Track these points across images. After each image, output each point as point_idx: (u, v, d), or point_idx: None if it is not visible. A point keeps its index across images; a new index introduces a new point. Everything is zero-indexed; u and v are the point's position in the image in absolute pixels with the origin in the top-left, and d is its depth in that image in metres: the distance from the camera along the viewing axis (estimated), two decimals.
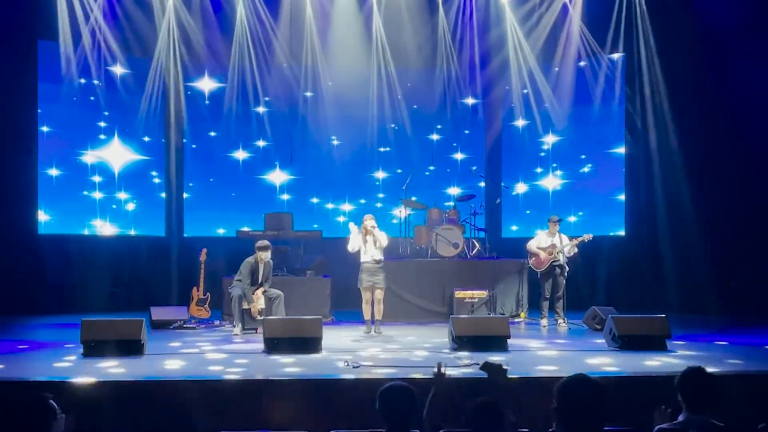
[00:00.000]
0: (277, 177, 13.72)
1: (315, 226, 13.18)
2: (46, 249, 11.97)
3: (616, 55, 12.90)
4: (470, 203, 12.51)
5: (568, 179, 13.54)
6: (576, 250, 10.57)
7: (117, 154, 12.78)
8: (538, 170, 13.77)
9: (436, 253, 11.73)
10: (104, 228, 12.58)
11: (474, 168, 13.64)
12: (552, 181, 13.64)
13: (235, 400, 6.06)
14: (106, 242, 12.49)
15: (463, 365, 7.00)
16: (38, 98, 11.93)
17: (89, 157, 12.52)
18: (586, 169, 13.42)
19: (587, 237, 10.57)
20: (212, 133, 13.52)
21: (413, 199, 12.70)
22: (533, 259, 10.71)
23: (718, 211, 11.63)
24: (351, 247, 9.68)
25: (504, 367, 4.12)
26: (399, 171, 13.74)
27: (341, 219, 13.65)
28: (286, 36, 13.16)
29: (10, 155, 11.61)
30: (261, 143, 13.62)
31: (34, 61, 11.83)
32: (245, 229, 12.03)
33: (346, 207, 13.85)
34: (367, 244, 9.61)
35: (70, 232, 12.28)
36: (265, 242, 9.98)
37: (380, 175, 13.94)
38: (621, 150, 13.08)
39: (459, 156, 14.07)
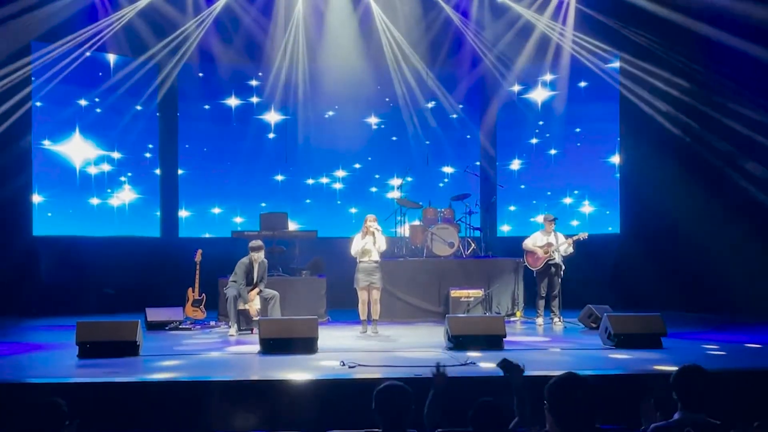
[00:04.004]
0: (272, 117, 13.95)
1: (308, 201, 13.83)
2: (40, 250, 11.96)
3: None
4: (465, 202, 12.53)
5: (561, 149, 13.74)
6: (572, 249, 10.58)
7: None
8: (533, 141, 13.96)
9: (431, 252, 11.73)
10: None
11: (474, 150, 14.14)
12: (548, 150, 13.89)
13: (231, 401, 6.05)
14: (101, 243, 12.46)
15: (461, 364, 7.00)
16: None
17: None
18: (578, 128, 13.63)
19: (583, 235, 10.59)
20: (206, 106, 13.79)
21: (408, 179, 13.14)
22: (529, 257, 10.72)
23: (715, 209, 11.65)
24: (354, 251, 9.66)
25: (521, 366, 4.19)
26: (394, 138, 14.07)
27: (337, 186, 14.00)
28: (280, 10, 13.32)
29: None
30: (255, 97, 13.89)
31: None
32: (238, 218, 12.25)
33: (340, 173, 14.09)
34: (366, 244, 9.60)
35: (66, 226, 12.43)
36: (259, 242, 9.98)
37: (373, 121, 14.18)
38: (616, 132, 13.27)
39: (454, 115, 14.22)
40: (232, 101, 13.87)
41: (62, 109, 12.45)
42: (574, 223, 13.34)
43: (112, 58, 12.87)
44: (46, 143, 12.31)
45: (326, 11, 13.37)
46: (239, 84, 13.85)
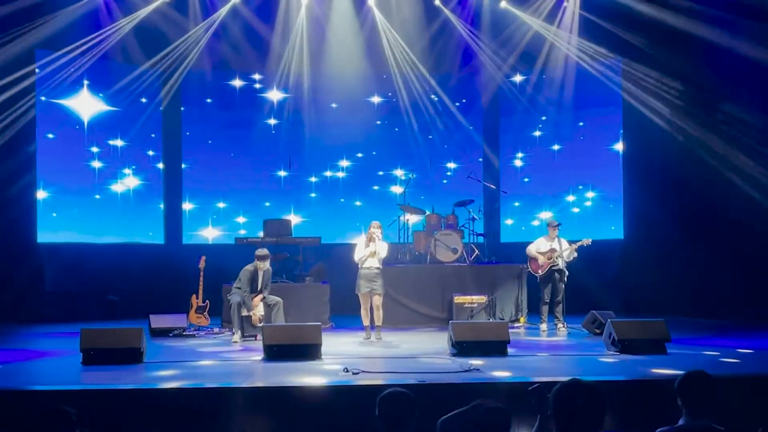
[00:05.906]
0: (275, 115, 14.09)
1: (313, 195, 14.05)
2: (44, 257, 11.99)
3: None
4: (468, 208, 12.53)
5: (564, 143, 13.83)
6: (575, 254, 10.57)
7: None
8: (536, 133, 14.07)
9: (435, 258, 11.72)
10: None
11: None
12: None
13: (235, 408, 6.05)
14: (105, 250, 12.51)
15: (464, 370, 7.00)
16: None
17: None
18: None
19: (586, 241, 10.58)
20: (209, 100, 13.96)
21: (412, 176, 13.44)
22: (532, 263, 10.71)
23: (717, 213, 11.64)
24: (357, 257, 9.68)
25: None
26: (396, 129, 14.26)
27: (340, 175, 14.21)
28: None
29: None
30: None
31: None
32: (241, 218, 12.69)
33: (344, 163, 14.26)
34: (368, 250, 9.60)
35: (70, 225, 12.56)
36: (265, 251, 9.97)
37: (376, 117, 14.37)
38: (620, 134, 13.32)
39: (455, 106, 14.30)
40: (237, 96, 14.00)
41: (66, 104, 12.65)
42: (575, 210, 13.52)
43: (116, 64, 12.92)
44: (50, 136, 12.49)
45: (330, 13, 13.55)
46: (243, 81, 13.99)
